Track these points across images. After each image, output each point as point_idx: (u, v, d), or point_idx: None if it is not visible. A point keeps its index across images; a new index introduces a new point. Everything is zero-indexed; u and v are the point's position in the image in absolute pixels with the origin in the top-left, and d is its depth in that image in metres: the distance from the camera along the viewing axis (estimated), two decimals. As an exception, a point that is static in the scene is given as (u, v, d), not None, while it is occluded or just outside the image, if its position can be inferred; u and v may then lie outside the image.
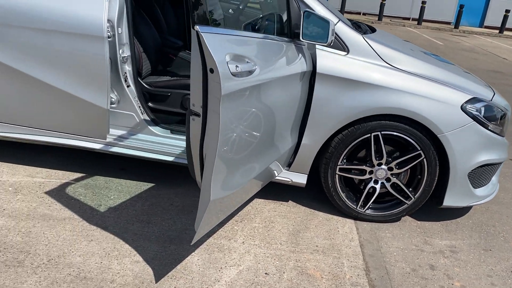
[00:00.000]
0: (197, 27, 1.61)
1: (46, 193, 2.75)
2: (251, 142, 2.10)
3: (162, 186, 3.01)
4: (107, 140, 2.87)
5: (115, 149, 2.88)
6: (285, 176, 2.86)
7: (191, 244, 2.44)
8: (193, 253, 2.38)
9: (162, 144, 2.90)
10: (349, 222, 2.86)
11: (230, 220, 2.73)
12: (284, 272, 2.32)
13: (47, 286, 2.01)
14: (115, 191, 2.88)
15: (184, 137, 2.91)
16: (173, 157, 2.88)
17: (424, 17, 17.22)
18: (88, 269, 2.16)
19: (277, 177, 2.82)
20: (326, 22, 2.36)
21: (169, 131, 2.93)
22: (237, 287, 2.16)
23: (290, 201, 3.02)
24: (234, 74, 1.77)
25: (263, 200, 3.00)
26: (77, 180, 2.94)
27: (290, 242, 2.58)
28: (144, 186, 2.98)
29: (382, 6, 16.46)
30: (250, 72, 1.91)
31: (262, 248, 2.49)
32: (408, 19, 18.40)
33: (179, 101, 3.06)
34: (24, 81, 2.69)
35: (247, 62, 1.90)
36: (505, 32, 17.35)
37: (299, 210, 2.93)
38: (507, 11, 16.58)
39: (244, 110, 1.93)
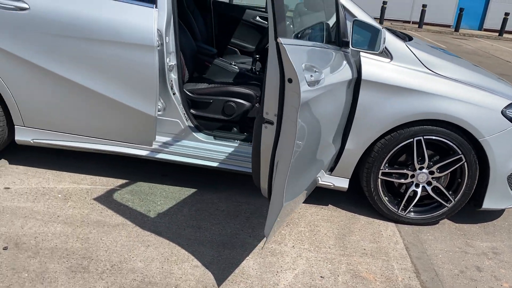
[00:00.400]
0: (280, 39, 1.67)
1: (94, 199, 2.79)
2: (312, 149, 2.16)
3: (205, 191, 3.06)
4: (153, 146, 2.92)
5: (161, 156, 2.93)
6: (327, 180, 2.92)
7: (262, 248, 2.49)
8: (247, 258, 2.43)
9: (206, 150, 2.95)
10: (391, 225, 2.92)
11: (276, 224, 2.78)
12: (338, 275, 2.37)
13: (116, 291, 2.06)
14: (161, 197, 2.92)
15: (228, 143, 2.96)
16: (218, 163, 2.93)
17: (425, 21, 17.36)
18: (151, 274, 2.20)
19: (320, 182, 2.88)
20: (376, 30, 2.42)
21: (212, 137, 2.98)
22: (297, 290, 2.22)
23: (330, 205, 3.08)
24: (309, 84, 1.82)
25: (304, 204, 3.06)
26: (122, 186, 2.99)
27: (338, 246, 2.63)
28: (187, 191, 3.03)
29: (383, 9, 16.59)
30: (318, 82, 1.97)
31: (312, 252, 2.55)
32: (409, 22, 18.54)
33: (221, 107, 3.11)
34: (74, 90, 2.73)
35: (316, 71, 1.96)
36: (505, 35, 17.52)
37: (340, 214, 2.98)
38: (507, 14, 16.75)
39: (311, 118, 1.99)
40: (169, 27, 2.76)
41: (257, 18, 4.33)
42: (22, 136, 2.91)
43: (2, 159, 3.12)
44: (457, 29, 17.15)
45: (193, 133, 2.95)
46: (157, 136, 2.93)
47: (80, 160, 3.25)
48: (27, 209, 2.61)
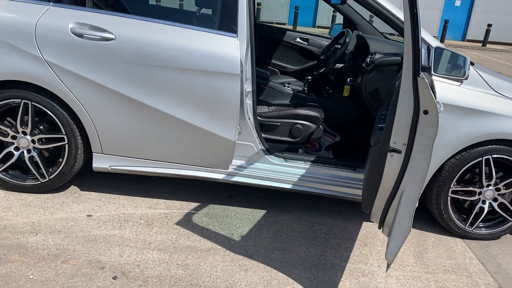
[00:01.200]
0: (422, 74, 1.77)
1: (176, 224, 2.82)
2: None
3: (274, 212, 3.12)
4: (229, 170, 2.97)
5: (236, 179, 2.98)
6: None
7: (386, 272, 2.56)
8: (342, 279, 2.50)
9: (278, 172, 3.02)
10: (459, 241, 3.03)
11: (354, 244, 2.86)
12: (431, 293, 2.46)
13: (235, 318, 2.10)
14: (236, 219, 2.97)
15: (298, 164, 3.03)
16: (291, 185, 3.00)
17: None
18: (261, 299, 2.25)
19: None
20: (463, 58, 2.55)
21: (282, 159, 3.05)
22: (400, 310, 2.30)
23: (395, 222, 3.18)
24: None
25: (371, 223, 3.15)
26: (196, 209, 3.02)
27: (420, 263, 2.73)
28: (259, 212, 3.08)
29: (371, 22, 16.97)
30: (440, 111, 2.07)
31: (398, 270, 2.63)
32: (394, 35, 18.97)
33: (288, 130, 3.19)
34: (155, 116, 2.77)
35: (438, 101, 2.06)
36: (488, 45, 18.10)
37: (408, 231, 3.08)
38: (489, 25, 17.32)
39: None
40: (248, 55, 2.83)
41: (297, 39, 4.43)
42: (100, 163, 2.92)
43: (72, 186, 3.13)
44: (442, 40, 17.65)
45: (266, 156, 3.02)
46: (233, 160, 2.98)
47: (145, 184, 3.27)
48: (117, 236, 2.62)
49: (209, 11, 3.27)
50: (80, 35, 2.66)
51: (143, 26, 2.69)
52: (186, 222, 2.86)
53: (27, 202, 2.87)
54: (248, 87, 2.89)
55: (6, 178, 2.93)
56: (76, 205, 2.90)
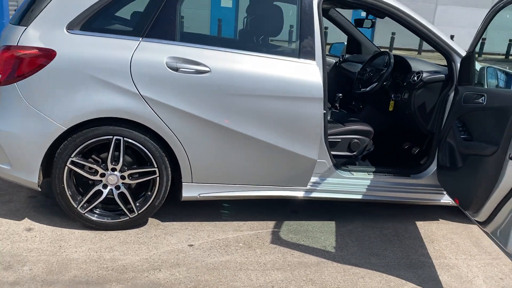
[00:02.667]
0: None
1: (272, 243, 2.96)
2: None
3: (342, 222, 3.37)
4: (307, 187, 3.17)
5: (314, 194, 3.19)
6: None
7: None
8: (439, 273, 2.83)
9: (348, 185, 3.28)
10: (498, 229, 3.52)
11: (424, 242, 3.22)
12: None
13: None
14: (317, 232, 3.18)
15: (363, 176, 3.31)
16: (361, 195, 3.28)
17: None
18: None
19: None
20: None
21: (348, 172, 3.32)
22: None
23: (440, 219, 3.60)
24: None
25: (421, 221, 3.53)
26: (276, 227, 3.18)
27: (483, 252, 3.15)
28: (329, 224, 3.32)
29: (326, 34, 17.87)
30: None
31: (472, 260, 3.03)
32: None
33: (346, 145, 3.47)
34: (244, 142, 2.88)
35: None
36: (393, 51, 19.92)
37: (453, 225, 3.51)
38: (393, 33, 19.05)
39: None
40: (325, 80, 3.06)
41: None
42: (190, 192, 2.95)
43: (149, 218, 3.10)
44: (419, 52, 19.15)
45: (336, 171, 3.26)
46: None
47: (211, 209, 3.34)
48: (232, 262, 2.70)
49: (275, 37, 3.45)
50: (176, 69, 2.71)
51: (234, 57, 2.81)
52: (278, 240, 3.01)
53: (123, 239, 2.82)
54: (324, 109, 3.12)
55: (93, 217, 2.85)
56: (170, 237, 2.91)
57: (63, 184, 2.76)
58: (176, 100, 2.73)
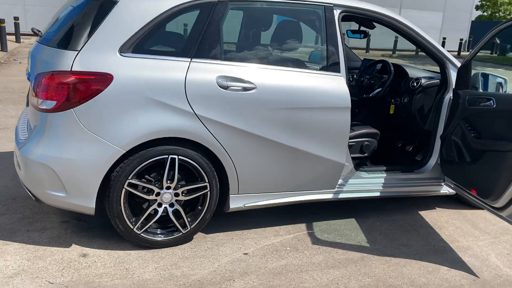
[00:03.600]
0: None
1: (314, 244, 3.19)
2: None
3: (360, 218, 3.69)
4: (335, 189, 3.43)
5: (342, 195, 3.46)
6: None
7: None
8: (460, 255, 3.23)
9: (367, 184, 3.59)
10: (485, 212, 4.05)
11: (434, 230, 3.63)
12: (513, 251, 3.38)
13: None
14: (346, 230, 3.46)
15: (378, 175, 3.65)
16: (378, 192, 3.62)
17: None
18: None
19: None
20: (504, 80, 3.50)
21: (365, 172, 3.63)
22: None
23: (436, 208, 4.05)
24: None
25: (422, 211, 3.96)
26: (308, 229, 3.41)
27: (483, 233, 3.62)
28: (351, 222, 3.62)
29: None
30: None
31: (478, 241, 3.48)
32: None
33: (359, 147, 3.78)
34: (285, 152, 3.08)
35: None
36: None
37: (460, 213, 3.98)
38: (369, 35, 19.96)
39: None
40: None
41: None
42: (236, 203, 3.08)
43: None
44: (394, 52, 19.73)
45: (356, 172, 3.56)
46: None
47: (242, 218, 3.50)
48: (290, 265, 2.89)
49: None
50: (225, 87, 2.84)
51: (274, 74, 2.99)
52: (317, 240, 3.24)
53: (181, 255, 2.89)
54: (348, 116, 3.40)
55: (148, 237, 2.89)
56: (223, 248, 3.02)
57: (121, 206, 2.77)
58: (226, 116, 2.86)
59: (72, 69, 2.58)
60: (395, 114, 4.07)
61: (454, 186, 3.59)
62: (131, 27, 2.70)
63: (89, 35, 2.65)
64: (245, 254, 2.98)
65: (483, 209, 3.45)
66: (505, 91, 3.54)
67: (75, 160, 2.63)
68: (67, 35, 2.73)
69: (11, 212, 3.29)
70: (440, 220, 3.80)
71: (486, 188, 3.08)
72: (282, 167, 3.13)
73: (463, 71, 3.50)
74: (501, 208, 3.02)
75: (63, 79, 2.57)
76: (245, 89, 2.89)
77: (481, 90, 3.53)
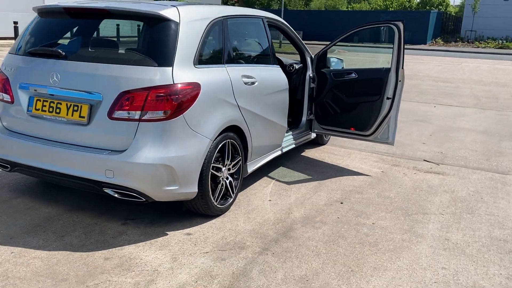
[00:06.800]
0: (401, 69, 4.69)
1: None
2: None
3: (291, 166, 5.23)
4: (281, 146, 4.84)
5: (284, 150, 4.89)
6: None
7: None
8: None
9: (286, 140, 5.15)
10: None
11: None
12: None
13: None
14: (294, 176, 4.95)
15: (288, 133, 5.24)
16: (294, 144, 5.23)
17: None
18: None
19: None
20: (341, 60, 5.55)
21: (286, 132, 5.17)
22: None
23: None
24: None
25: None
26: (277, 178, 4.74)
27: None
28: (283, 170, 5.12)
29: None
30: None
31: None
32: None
33: None
34: (265, 122, 4.31)
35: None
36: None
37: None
38: (15, 22, 18.43)
39: None
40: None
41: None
42: (250, 168, 4.12)
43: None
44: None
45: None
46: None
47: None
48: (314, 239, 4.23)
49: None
50: (246, 83, 3.87)
51: (262, 70, 4.18)
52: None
53: (221, 220, 3.69)
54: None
55: (219, 206, 3.67)
56: (238, 222, 4.06)
57: (208, 187, 3.49)
58: (247, 103, 3.90)
59: (174, 82, 3.14)
60: (291, 91, 5.68)
61: (324, 131, 5.53)
62: (194, 43, 3.39)
63: (174, 53, 3.20)
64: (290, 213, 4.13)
65: (354, 139, 5.50)
66: (342, 67, 5.66)
67: (186, 156, 3.22)
68: (149, 53, 3.18)
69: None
70: (315, 155, 5.72)
71: (362, 124, 5.11)
72: (266, 135, 4.35)
73: (322, 57, 5.41)
74: (370, 135, 5.13)
75: (171, 91, 3.10)
76: (252, 83, 3.98)
77: (332, 68, 5.54)
